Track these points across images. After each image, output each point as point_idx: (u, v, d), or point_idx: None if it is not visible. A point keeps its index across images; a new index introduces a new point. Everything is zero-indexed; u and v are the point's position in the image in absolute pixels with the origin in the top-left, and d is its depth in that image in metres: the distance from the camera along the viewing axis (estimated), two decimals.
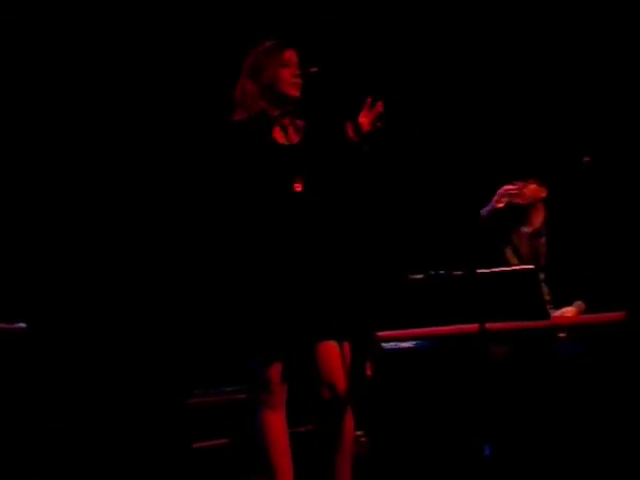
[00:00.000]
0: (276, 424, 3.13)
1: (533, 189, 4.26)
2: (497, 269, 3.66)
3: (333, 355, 3.20)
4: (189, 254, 4.97)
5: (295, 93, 3.30)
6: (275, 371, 3.12)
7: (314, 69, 3.31)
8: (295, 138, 3.36)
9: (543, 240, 4.27)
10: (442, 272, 3.68)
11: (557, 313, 3.91)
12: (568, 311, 3.94)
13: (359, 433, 4.19)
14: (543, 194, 4.29)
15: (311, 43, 3.52)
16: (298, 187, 3.22)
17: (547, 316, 3.65)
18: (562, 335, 3.87)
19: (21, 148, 4.55)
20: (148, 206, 4.92)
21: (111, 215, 4.81)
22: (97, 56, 4.81)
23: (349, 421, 3.24)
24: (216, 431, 4.43)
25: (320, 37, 5.01)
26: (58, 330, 4.36)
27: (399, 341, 4.07)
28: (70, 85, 4.75)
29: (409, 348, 4.08)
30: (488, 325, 3.41)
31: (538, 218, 4.31)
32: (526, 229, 4.33)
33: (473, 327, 3.48)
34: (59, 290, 4.55)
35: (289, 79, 3.28)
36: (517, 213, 4.27)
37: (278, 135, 3.32)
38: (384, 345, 4.11)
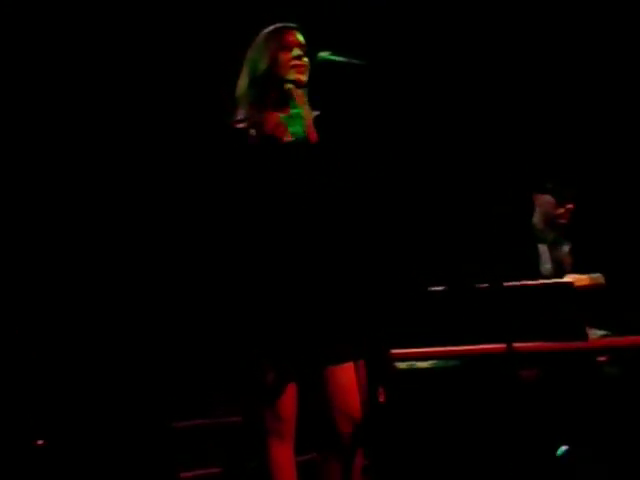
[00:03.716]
0: (283, 456, 3.00)
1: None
2: (528, 282, 3.59)
3: (344, 380, 3.05)
4: (193, 270, 4.89)
5: (294, 77, 3.01)
6: (283, 392, 2.98)
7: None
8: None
9: (566, 249, 4.41)
10: (466, 284, 3.61)
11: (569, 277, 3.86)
12: (582, 279, 3.81)
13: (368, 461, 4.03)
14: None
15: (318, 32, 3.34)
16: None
17: (585, 337, 3.52)
18: (601, 359, 3.83)
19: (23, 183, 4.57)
20: (151, 221, 4.93)
21: (114, 229, 4.82)
22: (98, 60, 4.86)
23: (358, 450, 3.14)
24: (206, 459, 4.35)
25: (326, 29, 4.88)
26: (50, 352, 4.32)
27: (415, 360, 3.98)
28: (72, 91, 4.78)
29: (426, 369, 3.99)
30: (516, 345, 3.26)
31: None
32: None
33: (500, 347, 3.39)
34: (59, 314, 4.47)
35: (290, 61, 3.01)
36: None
37: (281, 131, 3.05)
38: (398, 364, 3.99)
